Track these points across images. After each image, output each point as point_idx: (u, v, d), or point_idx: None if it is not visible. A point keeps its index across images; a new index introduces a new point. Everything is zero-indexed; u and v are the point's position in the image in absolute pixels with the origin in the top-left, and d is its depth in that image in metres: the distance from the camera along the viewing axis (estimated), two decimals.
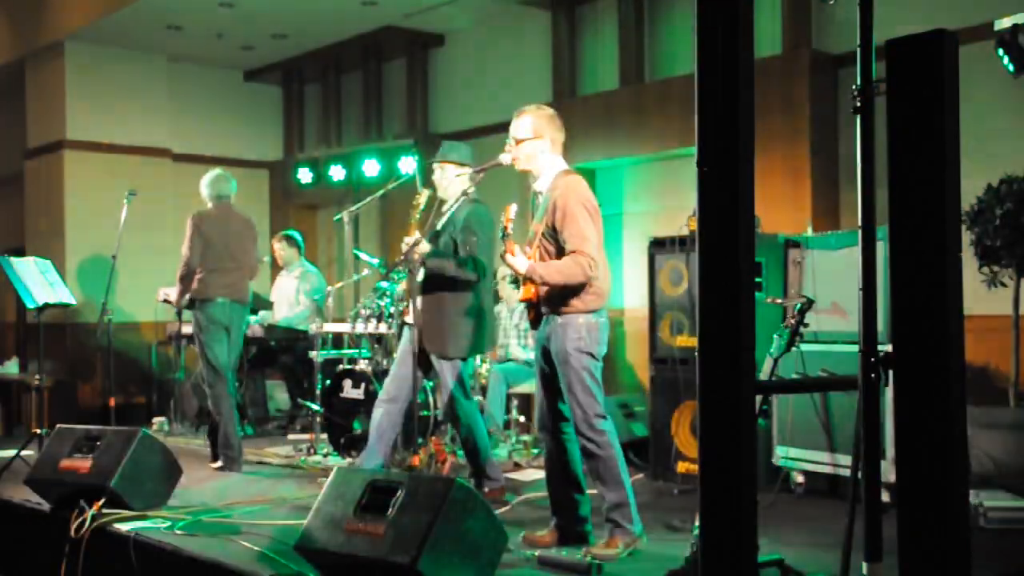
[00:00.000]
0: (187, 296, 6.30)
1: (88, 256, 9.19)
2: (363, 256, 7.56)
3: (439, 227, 5.20)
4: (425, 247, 5.00)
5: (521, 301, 4.29)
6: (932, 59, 2.35)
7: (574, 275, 4.05)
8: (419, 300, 5.11)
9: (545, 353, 4.26)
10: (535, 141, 4.29)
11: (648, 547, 4.20)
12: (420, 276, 5.13)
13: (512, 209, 4.08)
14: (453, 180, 5.17)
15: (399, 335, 6.03)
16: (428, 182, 5.47)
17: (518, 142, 4.31)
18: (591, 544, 4.24)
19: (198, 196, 6.49)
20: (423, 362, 5.18)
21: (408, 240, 5.00)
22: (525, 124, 4.31)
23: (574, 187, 4.19)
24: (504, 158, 4.53)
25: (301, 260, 8.50)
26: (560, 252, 4.15)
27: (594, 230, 4.14)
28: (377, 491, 3.63)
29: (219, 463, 6.23)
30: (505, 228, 4.06)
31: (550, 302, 4.18)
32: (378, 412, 5.22)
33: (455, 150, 5.20)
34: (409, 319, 5.17)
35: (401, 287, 5.55)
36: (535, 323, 4.29)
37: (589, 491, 4.38)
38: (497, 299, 7.42)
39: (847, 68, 6.60)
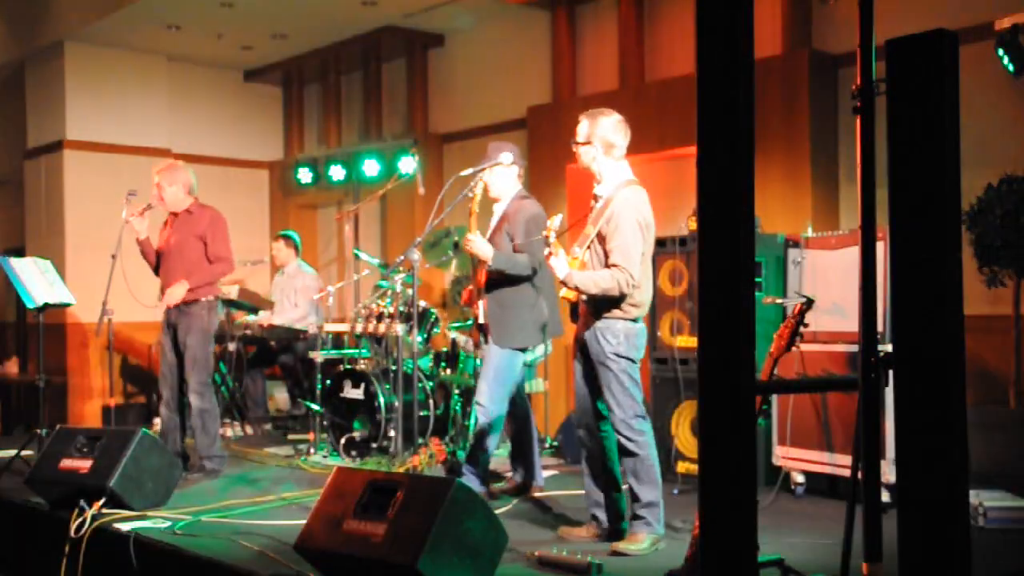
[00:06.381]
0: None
1: (88, 256, 9.19)
2: (363, 256, 7.57)
3: (492, 225, 5.34)
4: (487, 252, 5.04)
5: (563, 299, 4.41)
6: (932, 59, 2.34)
7: (610, 289, 4.15)
8: (486, 297, 5.25)
9: (585, 353, 4.37)
10: (588, 147, 4.36)
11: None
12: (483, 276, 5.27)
13: (556, 219, 4.24)
14: (502, 179, 5.29)
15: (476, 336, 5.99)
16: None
17: (577, 144, 4.38)
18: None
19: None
20: None
21: (471, 236, 5.07)
22: (582, 128, 4.38)
23: (632, 200, 4.27)
24: (504, 158, 4.51)
25: (298, 261, 8.50)
26: (607, 257, 4.24)
27: (640, 246, 4.22)
28: (377, 491, 3.64)
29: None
30: (546, 238, 4.21)
31: (591, 306, 4.30)
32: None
33: (500, 151, 5.30)
34: (481, 319, 5.29)
35: (466, 291, 5.59)
36: (573, 316, 4.47)
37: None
38: None
39: (847, 68, 6.59)
